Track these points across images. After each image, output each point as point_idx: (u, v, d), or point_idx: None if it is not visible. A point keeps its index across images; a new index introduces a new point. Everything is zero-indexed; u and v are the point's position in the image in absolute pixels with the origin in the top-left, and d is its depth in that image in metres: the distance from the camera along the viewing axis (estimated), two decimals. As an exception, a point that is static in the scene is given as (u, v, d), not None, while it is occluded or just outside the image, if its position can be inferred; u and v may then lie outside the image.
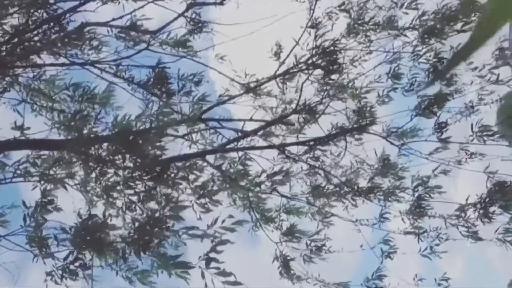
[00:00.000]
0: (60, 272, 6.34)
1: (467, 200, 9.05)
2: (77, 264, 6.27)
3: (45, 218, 6.61)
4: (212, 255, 5.63)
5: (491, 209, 8.82)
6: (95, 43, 8.51)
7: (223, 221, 5.85)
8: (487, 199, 8.84)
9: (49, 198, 6.73)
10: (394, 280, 9.35)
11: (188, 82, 8.87)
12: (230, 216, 5.96)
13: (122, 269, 6.03)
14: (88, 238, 6.06)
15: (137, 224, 6.15)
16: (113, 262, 6.05)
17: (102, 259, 6.07)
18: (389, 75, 9.84)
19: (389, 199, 9.63)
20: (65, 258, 6.36)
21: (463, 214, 9.14)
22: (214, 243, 5.65)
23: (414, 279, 9.35)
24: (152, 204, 6.90)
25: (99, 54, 8.57)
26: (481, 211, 8.92)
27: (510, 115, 9.38)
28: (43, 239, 6.43)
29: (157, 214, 6.10)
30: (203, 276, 5.53)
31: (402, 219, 9.63)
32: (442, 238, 9.37)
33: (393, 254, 9.59)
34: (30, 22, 8.11)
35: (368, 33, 9.85)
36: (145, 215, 6.39)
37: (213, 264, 5.57)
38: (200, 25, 9.33)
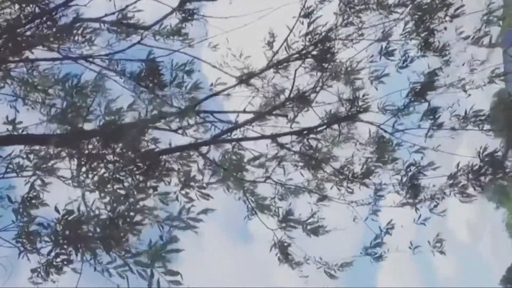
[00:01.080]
0: (44, 268, 6.49)
1: (458, 165, 9.11)
2: (59, 259, 6.38)
3: (29, 213, 6.69)
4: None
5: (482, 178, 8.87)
6: (87, 37, 8.57)
7: (188, 210, 5.81)
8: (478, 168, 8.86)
9: (34, 193, 6.79)
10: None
11: (180, 72, 8.90)
12: (193, 206, 5.93)
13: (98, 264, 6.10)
14: (66, 233, 6.12)
15: (104, 219, 6.15)
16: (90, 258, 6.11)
17: (79, 254, 6.14)
18: (382, 53, 9.82)
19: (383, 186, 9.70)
20: (49, 253, 6.45)
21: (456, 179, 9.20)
22: (163, 241, 5.57)
23: (410, 247, 9.48)
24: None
25: (92, 47, 8.62)
26: (472, 180, 8.97)
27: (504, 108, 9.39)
28: (29, 235, 6.53)
29: (122, 209, 6.05)
30: (152, 275, 5.42)
31: (397, 192, 9.69)
32: (438, 198, 9.44)
33: (391, 230, 9.72)
34: (22, 17, 8.15)
35: (359, 14, 9.82)
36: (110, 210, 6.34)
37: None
38: (193, 16, 9.34)
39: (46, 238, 6.37)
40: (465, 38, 9.77)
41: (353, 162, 10.09)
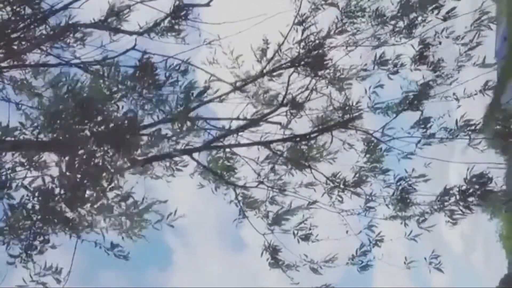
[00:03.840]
0: (25, 251, 6.55)
1: (445, 188, 9.11)
2: (39, 240, 6.40)
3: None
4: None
5: (470, 199, 8.88)
6: (80, 37, 8.54)
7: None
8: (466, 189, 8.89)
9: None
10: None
11: (174, 72, 8.82)
12: None
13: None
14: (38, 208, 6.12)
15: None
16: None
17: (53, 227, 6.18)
18: (375, 62, 9.82)
19: (374, 197, 9.73)
20: (27, 237, 6.52)
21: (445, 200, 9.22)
22: None
23: (404, 262, 9.45)
24: None
25: (85, 47, 8.59)
26: (461, 202, 8.99)
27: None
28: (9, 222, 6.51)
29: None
30: None
31: (387, 205, 9.70)
32: (428, 213, 9.39)
33: (380, 242, 9.75)
34: (14, 19, 8.08)
35: (355, 21, 9.83)
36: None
37: None
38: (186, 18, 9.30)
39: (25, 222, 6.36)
40: (455, 38, 9.78)
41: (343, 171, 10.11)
